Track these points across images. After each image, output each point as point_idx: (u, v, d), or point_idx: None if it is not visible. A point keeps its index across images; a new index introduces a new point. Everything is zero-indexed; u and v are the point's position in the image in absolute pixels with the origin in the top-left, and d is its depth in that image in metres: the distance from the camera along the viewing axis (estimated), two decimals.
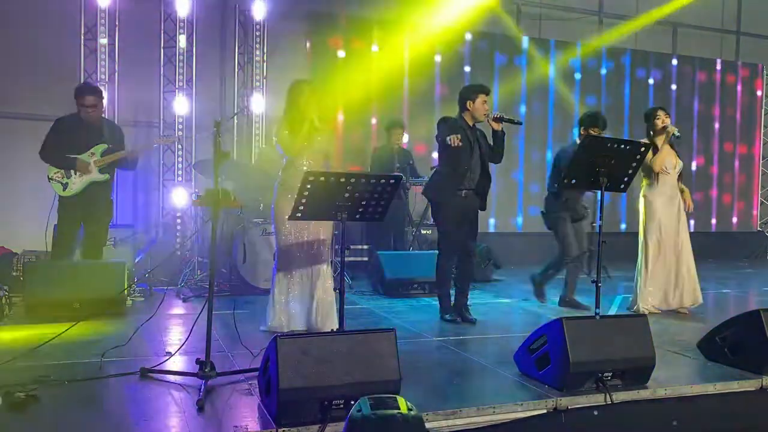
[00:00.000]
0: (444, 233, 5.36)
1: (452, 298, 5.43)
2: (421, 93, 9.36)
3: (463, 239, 5.32)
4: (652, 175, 5.81)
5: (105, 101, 6.22)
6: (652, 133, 5.85)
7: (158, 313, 4.70)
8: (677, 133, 5.77)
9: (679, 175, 5.89)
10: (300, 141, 4.66)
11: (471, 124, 5.27)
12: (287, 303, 4.75)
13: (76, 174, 5.54)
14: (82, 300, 5.14)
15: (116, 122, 6.59)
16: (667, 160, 5.79)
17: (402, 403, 2.67)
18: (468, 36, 9.66)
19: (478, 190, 5.30)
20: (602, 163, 4.05)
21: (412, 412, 2.64)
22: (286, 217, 4.00)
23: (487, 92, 5.27)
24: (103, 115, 5.85)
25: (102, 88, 7.41)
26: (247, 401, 3.31)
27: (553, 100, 10.21)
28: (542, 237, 10.40)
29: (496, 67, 9.85)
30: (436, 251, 5.47)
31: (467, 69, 9.70)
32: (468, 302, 5.45)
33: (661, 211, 5.79)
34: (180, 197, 7.72)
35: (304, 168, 4.49)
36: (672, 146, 5.88)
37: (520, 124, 5.31)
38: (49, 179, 5.51)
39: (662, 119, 5.81)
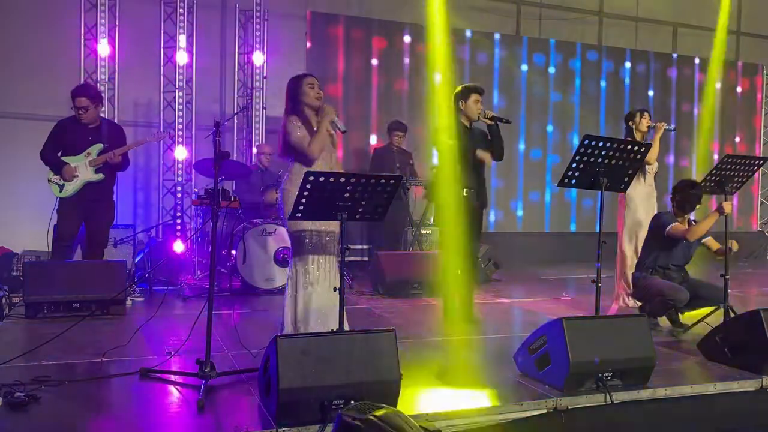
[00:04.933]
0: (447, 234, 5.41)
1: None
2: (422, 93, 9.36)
3: (466, 240, 5.27)
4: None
5: (104, 100, 6.20)
6: (635, 133, 5.99)
7: (158, 313, 4.70)
8: (669, 127, 6.04)
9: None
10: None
11: (467, 124, 5.22)
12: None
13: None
14: (82, 300, 5.15)
15: (116, 122, 6.58)
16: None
17: None
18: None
19: (478, 189, 5.24)
20: (602, 164, 4.05)
21: None
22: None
23: (480, 92, 5.23)
24: (102, 115, 5.85)
25: (102, 88, 7.44)
26: (247, 401, 3.31)
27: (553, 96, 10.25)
28: (542, 237, 10.55)
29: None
30: (437, 251, 5.46)
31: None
32: (473, 302, 5.43)
33: (641, 208, 5.91)
34: (180, 153, 7.95)
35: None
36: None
37: (509, 122, 5.25)
38: (48, 181, 5.52)
39: (647, 119, 6.00)
